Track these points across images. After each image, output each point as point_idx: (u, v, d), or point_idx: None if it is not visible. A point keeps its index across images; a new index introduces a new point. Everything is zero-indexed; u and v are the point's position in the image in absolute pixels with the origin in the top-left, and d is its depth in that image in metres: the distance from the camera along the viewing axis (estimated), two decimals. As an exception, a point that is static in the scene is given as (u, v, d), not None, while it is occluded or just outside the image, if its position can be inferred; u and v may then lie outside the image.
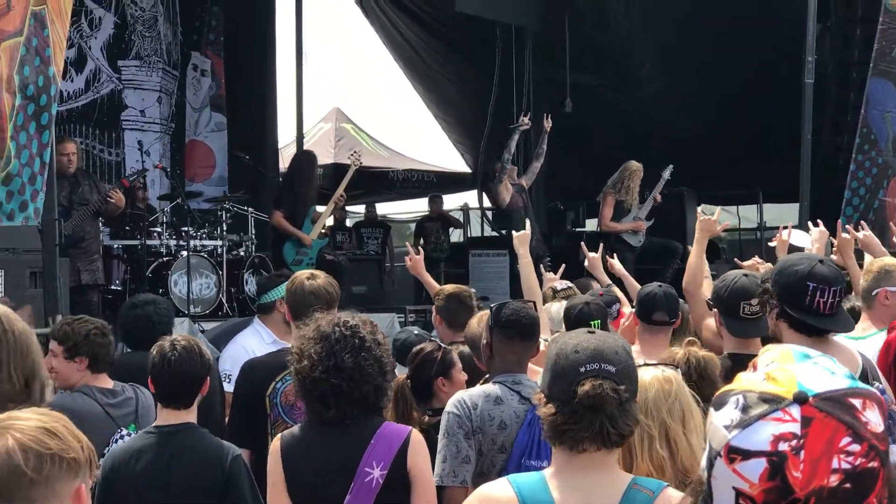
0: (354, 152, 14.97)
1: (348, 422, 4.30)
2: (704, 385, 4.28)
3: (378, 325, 4.59)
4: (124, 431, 5.51)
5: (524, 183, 14.77)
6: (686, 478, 3.31)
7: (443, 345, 5.81)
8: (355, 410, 4.31)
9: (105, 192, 11.68)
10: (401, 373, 5.41)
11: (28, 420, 2.59)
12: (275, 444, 4.44)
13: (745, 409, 1.95)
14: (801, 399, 1.92)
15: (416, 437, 4.41)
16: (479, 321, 5.37)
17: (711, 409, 2.03)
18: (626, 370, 3.08)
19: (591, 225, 17.70)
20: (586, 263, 8.05)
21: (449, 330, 6.87)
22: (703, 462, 2.03)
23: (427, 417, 5.40)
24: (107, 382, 5.74)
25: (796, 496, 1.89)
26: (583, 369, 3.03)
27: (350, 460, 4.26)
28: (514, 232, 7.02)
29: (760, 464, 1.90)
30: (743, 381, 2.04)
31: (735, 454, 1.93)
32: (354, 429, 4.31)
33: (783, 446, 1.90)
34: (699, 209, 7.60)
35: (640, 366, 3.41)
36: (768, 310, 4.71)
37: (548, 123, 14.76)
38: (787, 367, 2.01)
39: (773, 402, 1.94)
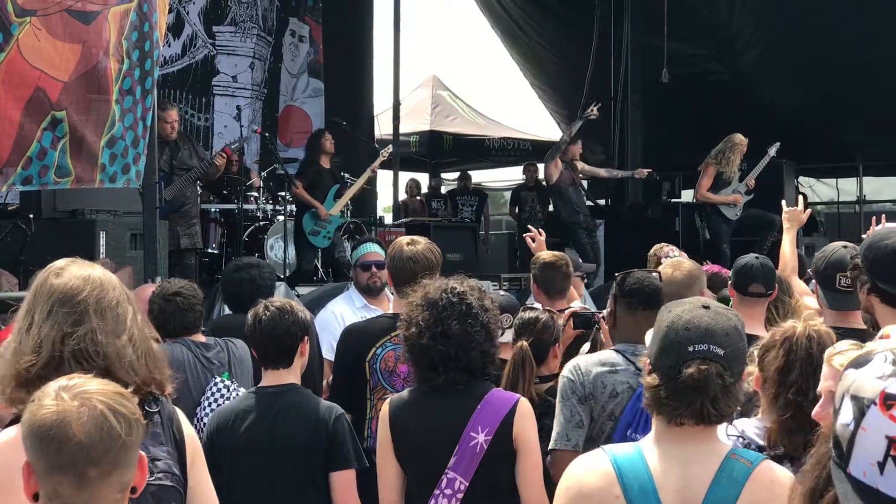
0: (386, 149, 15.07)
1: (460, 388, 4.33)
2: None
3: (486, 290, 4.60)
4: (218, 379, 5.63)
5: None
6: None
7: (553, 312, 5.81)
8: (464, 376, 4.34)
9: (206, 158, 11.82)
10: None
11: (98, 385, 2.62)
12: (384, 408, 4.48)
13: None
14: None
15: (524, 405, 4.41)
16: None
17: (850, 370, 2.03)
18: (735, 353, 3.03)
19: (686, 196, 17.58)
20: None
21: (546, 298, 6.89)
22: (842, 419, 2.02)
23: (537, 384, 5.39)
24: (200, 338, 5.85)
25: None
26: (691, 349, 3.00)
27: (456, 424, 4.29)
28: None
29: None
30: (879, 343, 2.05)
31: (892, 400, 1.92)
32: (462, 394, 4.34)
33: None
34: (783, 202, 7.59)
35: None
36: (859, 285, 4.66)
37: (594, 112, 14.69)
38: None
39: None
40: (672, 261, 6.41)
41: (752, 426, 3.85)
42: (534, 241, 7.81)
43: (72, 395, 2.54)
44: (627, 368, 4.83)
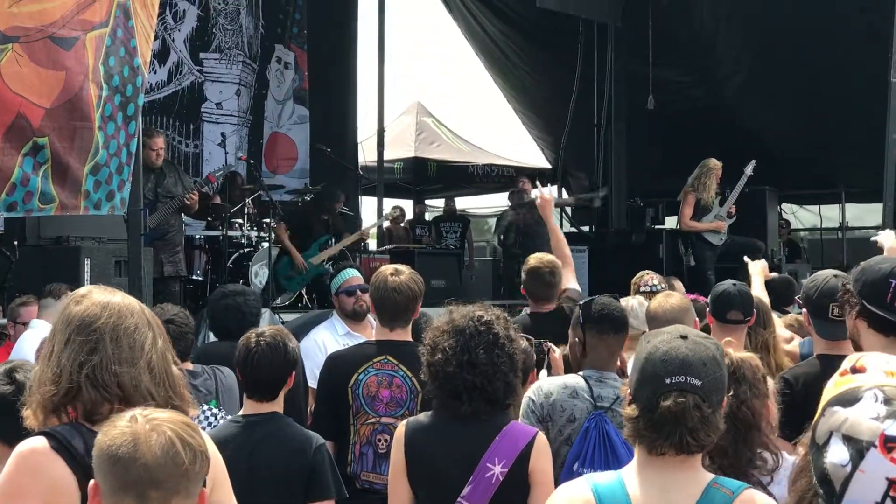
0: (396, 208, 15.19)
1: (484, 417, 4.32)
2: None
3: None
4: (206, 407, 5.62)
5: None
6: None
7: (533, 340, 5.85)
8: (487, 406, 4.33)
9: (189, 187, 11.83)
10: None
11: (169, 414, 2.74)
12: (399, 431, 4.47)
13: (888, 401, 1.98)
14: None
15: (542, 439, 4.40)
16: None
17: (837, 407, 2.04)
18: (713, 382, 3.02)
19: (670, 222, 17.63)
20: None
21: (533, 302, 7.23)
22: (835, 460, 2.02)
23: None
24: (188, 366, 5.84)
25: None
26: (668, 381, 2.99)
27: (473, 454, 4.27)
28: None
29: None
30: (859, 380, 2.05)
31: (892, 443, 1.93)
32: (481, 424, 4.33)
33: None
34: (745, 259, 7.79)
35: None
36: (848, 310, 4.68)
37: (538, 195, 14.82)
38: None
39: None
40: (665, 292, 6.49)
41: None
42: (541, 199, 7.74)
43: (145, 419, 2.67)
44: (588, 396, 4.90)
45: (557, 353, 5.93)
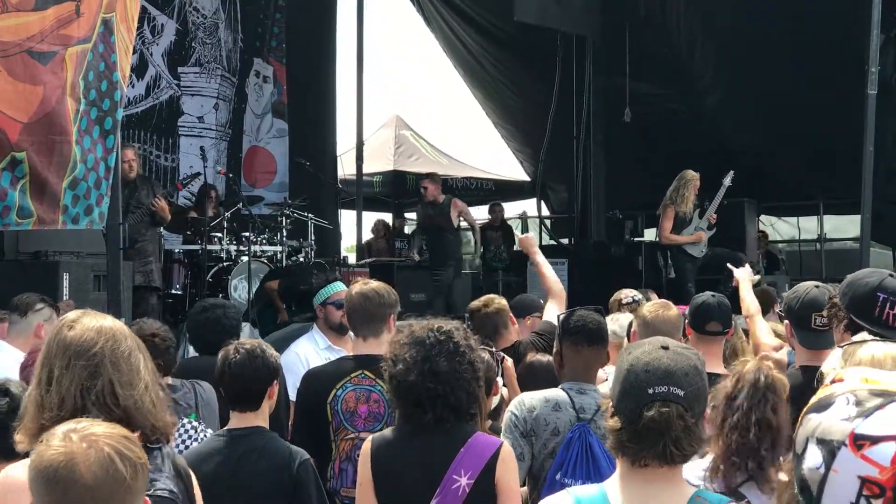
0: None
1: (447, 426, 4.31)
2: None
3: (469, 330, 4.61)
4: (185, 420, 5.60)
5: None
6: None
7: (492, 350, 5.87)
8: (451, 415, 4.32)
9: (162, 196, 11.85)
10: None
11: (105, 428, 2.68)
12: (365, 446, 4.46)
13: (859, 403, 1.99)
14: None
15: (507, 449, 4.39)
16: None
17: (812, 414, 2.05)
18: (695, 392, 3.02)
19: (649, 234, 17.67)
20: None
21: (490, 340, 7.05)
22: (810, 464, 2.03)
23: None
24: (167, 380, 5.83)
25: None
26: (651, 391, 2.98)
27: (439, 466, 4.26)
28: None
29: (890, 447, 1.92)
30: (836, 387, 2.07)
31: (862, 440, 1.94)
32: (446, 435, 4.32)
33: None
34: (729, 265, 7.84)
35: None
36: (836, 323, 4.71)
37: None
38: (881, 373, 2.07)
39: (886, 395, 1.99)
40: (660, 301, 6.48)
41: (695, 470, 3.88)
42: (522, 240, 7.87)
43: (80, 437, 2.60)
44: (570, 408, 4.92)
45: (510, 362, 6.04)
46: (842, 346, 3.74)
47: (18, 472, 3.19)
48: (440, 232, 15.31)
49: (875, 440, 1.93)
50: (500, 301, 7.18)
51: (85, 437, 2.60)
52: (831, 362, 3.73)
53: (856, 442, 1.95)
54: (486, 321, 7.02)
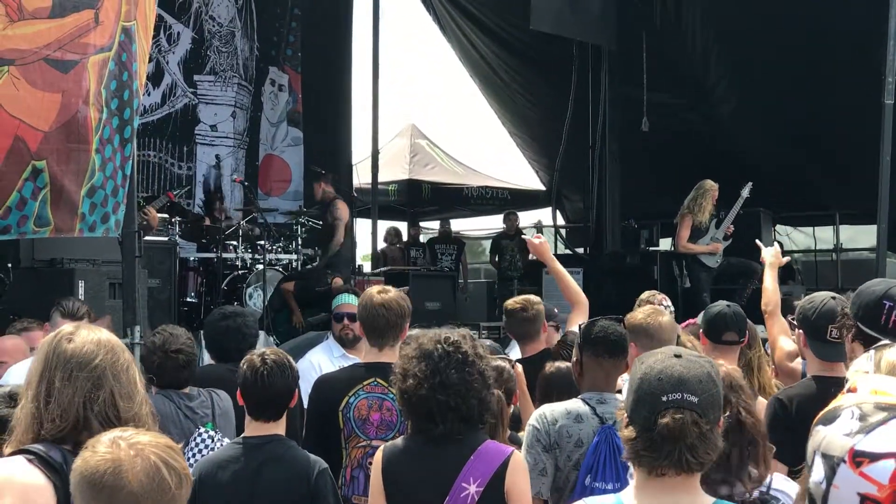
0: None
1: (458, 437, 4.34)
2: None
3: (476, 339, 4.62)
4: (202, 429, 5.61)
5: None
6: None
7: (509, 360, 5.90)
8: (463, 426, 4.34)
9: (157, 205, 11.92)
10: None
11: (150, 437, 2.70)
12: (377, 456, 4.50)
13: (862, 417, 1.99)
14: None
15: (517, 458, 4.41)
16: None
17: (820, 426, 2.05)
18: (709, 399, 3.00)
19: (664, 244, 17.64)
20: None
21: (518, 342, 7.18)
22: (815, 478, 2.03)
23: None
24: (184, 389, 5.85)
25: None
26: (665, 398, 2.97)
27: (448, 474, 4.28)
28: None
29: (890, 465, 1.92)
30: (845, 399, 2.07)
31: (861, 458, 1.94)
32: (456, 444, 4.34)
33: None
34: (757, 242, 7.67)
35: None
36: (846, 333, 4.71)
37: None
38: (893, 382, 2.05)
39: (891, 409, 1.97)
40: (650, 307, 6.41)
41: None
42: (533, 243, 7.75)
43: (127, 444, 2.63)
44: (592, 418, 4.90)
45: (520, 368, 6.03)
46: (875, 348, 3.68)
47: (15, 456, 3.24)
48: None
49: (874, 457, 1.94)
50: (539, 306, 7.17)
51: (132, 444, 2.63)
52: (860, 364, 3.67)
53: (854, 459, 1.95)
54: (523, 324, 7.04)
